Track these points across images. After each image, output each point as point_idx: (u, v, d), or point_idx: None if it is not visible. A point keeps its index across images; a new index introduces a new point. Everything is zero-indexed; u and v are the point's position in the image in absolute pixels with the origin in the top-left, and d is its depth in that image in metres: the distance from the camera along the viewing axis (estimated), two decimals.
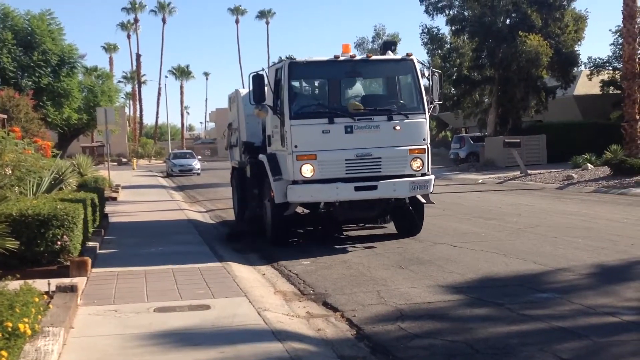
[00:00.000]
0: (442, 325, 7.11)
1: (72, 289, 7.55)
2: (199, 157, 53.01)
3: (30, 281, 6.55)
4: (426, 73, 12.95)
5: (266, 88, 12.28)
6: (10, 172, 10.21)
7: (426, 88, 12.40)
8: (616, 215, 15.30)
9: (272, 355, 5.93)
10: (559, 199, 20.10)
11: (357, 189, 11.56)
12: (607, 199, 19.84)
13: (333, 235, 13.47)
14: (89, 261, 9.58)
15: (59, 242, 9.07)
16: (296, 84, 12.53)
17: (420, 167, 11.94)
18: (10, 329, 4.89)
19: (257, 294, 8.53)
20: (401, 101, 12.56)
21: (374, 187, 11.65)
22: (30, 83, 25.92)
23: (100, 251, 11.70)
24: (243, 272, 10.09)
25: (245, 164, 14.78)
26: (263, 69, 12.25)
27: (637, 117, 27.42)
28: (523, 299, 7.93)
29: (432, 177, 12.25)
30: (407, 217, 12.77)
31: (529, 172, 29.60)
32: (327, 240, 12.93)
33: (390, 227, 13.76)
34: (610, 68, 42.12)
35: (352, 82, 13.12)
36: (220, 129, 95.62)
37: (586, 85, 45.01)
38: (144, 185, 33.07)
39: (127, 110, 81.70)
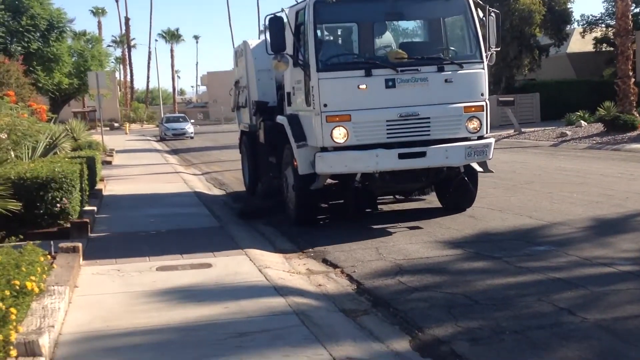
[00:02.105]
0: (441, 278, 7.21)
1: (75, 249, 7.61)
2: (192, 120, 52.76)
3: (32, 243, 6.59)
4: (480, 13, 10.45)
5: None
6: (6, 136, 10.19)
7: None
8: (610, 171, 15.41)
9: (275, 310, 6.03)
10: (553, 156, 20.19)
11: (401, 156, 9.51)
12: (601, 155, 19.95)
13: (365, 211, 11.21)
14: (89, 223, 9.64)
15: (58, 205, 9.11)
16: (324, 28, 10.44)
17: (478, 129, 9.87)
18: (18, 287, 4.96)
19: (258, 252, 8.62)
20: (452, 48, 10.57)
21: (422, 154, 9.57)
22: (19, 48, 25.68)
23: (99, 214, 11.74)
24: (243, 232, 10.18)
25: (258, 128, 12.66)
26: (283, 10, 10.11)
27: (630, 73, 27.41)
28: (520, 252, 8.05)
29: (492, 140, 10.26)
30: (457, 188, 10.60)
31: (523, 130, 29.67)
32: (361, 218, 10.78)
33: (431, 200, 11.89)
34: (603, 25, 41.97)
35: (393, 25, 11.28)
36: (212, 92, 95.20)
37: (579, 43, 44.86)
38: (138, 150, 32.99)
39: (117, 75, 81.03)
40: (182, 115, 54.03)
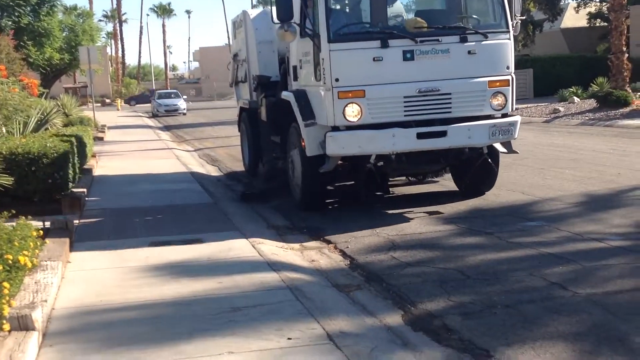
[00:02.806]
0: (434, 254, 7.25)
1: (67, 225, 7.59)
2: (184, 96, 52.52)
3: (24, 218, 6.57)
4: None
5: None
6: None
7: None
8: (602, 147, 15.45)
9: (269, 285, 6.05)
10: (545, 132, 20.21)
11: (419, 136, 8.72)
12: (594, 131, 19.98)
13: (376, 194, 10.45)
14: (81, 199, 9.61)
15: (49, 180, 9.07)
16: None
17: (503, 105, 9.12)
18: (10, 262, 4.95)
19: (251, 228, 8.62)
20: (475, 17, 9.65)
21: (442, 134, 8.79)
22: (10, 23, 25.42)
23: (91, 190, 11.70)
24: (236, 208, 10.17)
25: (259, 105, 11.84)
26: None
27: (624, 49, 27.34)
28: (512, 227, 8.08)
29: (518, 118, 9.57)
30: (477, 171, 9.75)
31: (516, 106, 29.61)
32: (373, 203, 10.02)
33: (445, 183, 11.11)
34: (598, 0, 41.75)
35: None
36: (204, 68, 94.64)
37: (573, 18, 44.72)
38: (130, 126, 32.86)
39: (108, 50, 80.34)
40: (175, 91, 53.80)
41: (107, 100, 71.18)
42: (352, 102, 8.63)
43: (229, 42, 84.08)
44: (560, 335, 4.81)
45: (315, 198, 9.75)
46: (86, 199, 10.57)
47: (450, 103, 8.87)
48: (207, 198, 10.92)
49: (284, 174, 10.67)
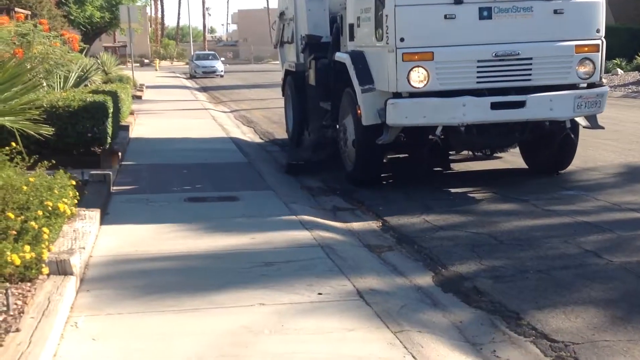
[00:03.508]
0: (467, 219, 7.22)
1: (105, 177, 7.73)
2: (222, 58, 52.56)
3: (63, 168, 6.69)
4: None
5: None
6: (39, 64, 10.25)
7: None
8: None
9: (301, 242, 6.10)
10: None
11: (494, 106, 7.83)
12: (636, 103, 19.53)
13: (434, 170, 9.55)
14: (119, 153, 9.76)
15: (89, 134, 9.21)
16: None
17: (591, 74, 8.15)
18: (50, 208, 5.06)
19: (285, 188, 8.68)
20: None
21: (520, 104, 7.88)
22: None
23: (129, 146, 11.86)
24: (270, 169, 10.23)
25: (307, 67, 10.84)
26: None
27: None
28: (548, 195, 7.99)
29: (606, 89, 8.64)
30: (555, 147, 8.75)
31: None
32: (432, 179, 9.12)
33: (508, 159, 10.05)
34: None
35: None
36: (242, 31, 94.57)
37: None
38: (168, 86, 33.07)
39: (148, 10, 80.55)
40: (213, 53, 53.84)
41: (146, 61, 71.61)
42: (418, 66, 7.75)
43: (267, 4, 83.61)
44: (592, 301, 4.78)
45: (369, 172, 8.84)
46: (124, 153, 10.74)
47: (530, 69, 7.93)
48: (242, 158, 10.99)
49: (334, 145, 9.89)
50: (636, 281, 5.15)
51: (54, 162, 6.37)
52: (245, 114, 19.54)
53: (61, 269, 4.64)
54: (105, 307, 4.52)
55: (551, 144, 8.67)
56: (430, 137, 8.11)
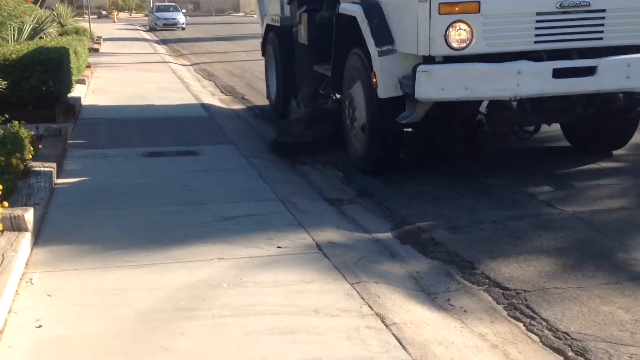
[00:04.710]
0: (429, 174, 7.20)
1: (61, 132, 7.59)
2: (183, 10, 51.46)
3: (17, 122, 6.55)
4: None
5: None
6: None
7: None
8: None
9: (260, 196, 6.09)
10: None
11: (557, 73, 6.06)
12: None
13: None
14: (75, 107, 9.57)
15: (43, 88, 8.99)
16: None
17: None
18: (3, 163, 4.96)
19: (246, 142, 8.63)
20: None
21: (590, 71, 6.13)
22: None
23: (85, 100, 11.62)
24: (231, 123, 10.15)
25: (296, 22, 8.95)
26: None
27: None
28: (508, 147, 8.06)
29: None
30: (616, 122, 7.13)
31: None
32: (466, 166, 7.27)
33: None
34: None
35: None
36: None
37: None
38: (127, 38, 32.34)
39: None
40: (174, 4, 52.53)
41: (104, 12, 69.73)
42: (459, 20, 5.88)
43: None
44: (545, 250, 4.90)
45: (386, 157, 7.02)
46: (80, 108, 10.53)
47: (602, 25, 6.15)
48: (203, 112, 10.86)
49: (334, 118, 8.23)
50: (588, 230, 5.28)
51: (7, 116, 6.22)
52: (206, 67, 19.27)
53: (15, 225, 4.57)
54: (61, 263, 4.48)
55: (614, 119, 7.01)
56: (478, 116, 6.16)
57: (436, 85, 5.98)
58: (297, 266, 4.47)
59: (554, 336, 3.68)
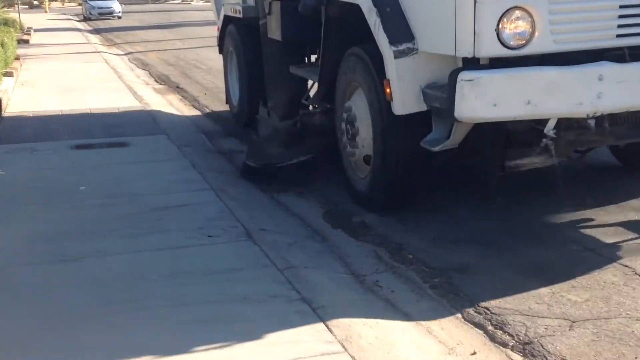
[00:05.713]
0: None
1: None
2: None
3: None
4: None
5: None
6: None
7: None
8: None
9: (193, 186, 6.09)
10: None
11: None
12: None
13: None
14: (2, 101, 9.32)
15: None
16: None
17: None
18: None
19: (178, 132, 8.56)
20: None
21: None
22: None
23: (13, 94, 11.31)
24: (161, 113, 10.05)
25: (265, 13, 7.12)
26: None
27: None
28: None
29: None
30: None
31: None
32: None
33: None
34: None
35: None
36: None
37: None
38: (59, 28, 31.45)
39: None
40: None
41: (35, 2, 67.65)
42: (517, 7, 4.30)
43: None
44: (478, 231, 5.04)
45: (402, 191, 5.49)
46: (8, 102, 10.25)
47: None
48: (136, 103, 10.70)
49: (323, 136, 6.54)
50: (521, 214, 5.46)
51: None
52: (140, 56, 18.93)
53: None
54: None
55: None
56: (543, 140, 4.59)
57: (486, 100, 4.33)
58: (227, 254, 4.50)
59: (475, 311, 3.81)
